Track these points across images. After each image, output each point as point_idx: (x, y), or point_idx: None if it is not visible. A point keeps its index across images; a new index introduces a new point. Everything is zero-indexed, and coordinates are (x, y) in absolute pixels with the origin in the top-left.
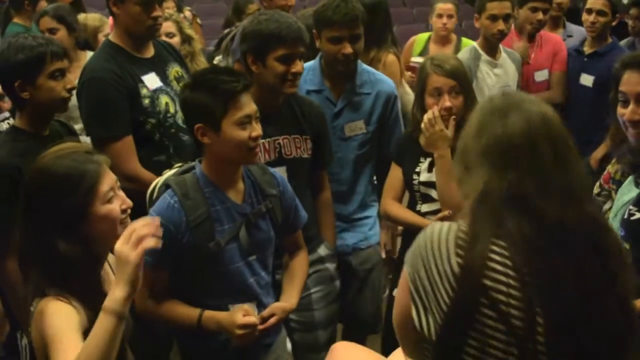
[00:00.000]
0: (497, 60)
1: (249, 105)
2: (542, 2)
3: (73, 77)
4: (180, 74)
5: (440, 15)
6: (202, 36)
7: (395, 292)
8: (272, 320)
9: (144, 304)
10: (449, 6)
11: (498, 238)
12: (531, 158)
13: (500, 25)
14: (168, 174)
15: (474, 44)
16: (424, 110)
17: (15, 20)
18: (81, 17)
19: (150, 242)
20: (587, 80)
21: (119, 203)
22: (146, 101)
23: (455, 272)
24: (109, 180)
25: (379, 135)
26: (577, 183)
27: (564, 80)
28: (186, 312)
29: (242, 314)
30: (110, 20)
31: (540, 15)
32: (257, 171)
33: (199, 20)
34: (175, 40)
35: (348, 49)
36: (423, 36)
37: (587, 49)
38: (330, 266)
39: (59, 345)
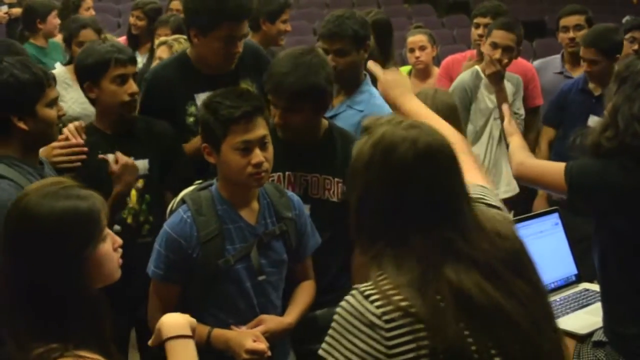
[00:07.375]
0: None
1: (251, 131)
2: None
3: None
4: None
5: (412, 50)
6: None
7: None
8: (260, 328)
9: (155, 318)
10: (419, 37)
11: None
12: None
13: (498, 54)
14: (188, 189)
15: (477, 67)
16: None
17: (31, 40)
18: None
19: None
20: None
21: (111, 242)
22: (190, 119)
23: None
24: (105, 218)
25: None
26: None
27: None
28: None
29: (253, 339)
30: (123, 39)
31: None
32: (274, 193)
33: None
34: None
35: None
36: (404, 69)
37: (592, 87)
38: None
39: None
